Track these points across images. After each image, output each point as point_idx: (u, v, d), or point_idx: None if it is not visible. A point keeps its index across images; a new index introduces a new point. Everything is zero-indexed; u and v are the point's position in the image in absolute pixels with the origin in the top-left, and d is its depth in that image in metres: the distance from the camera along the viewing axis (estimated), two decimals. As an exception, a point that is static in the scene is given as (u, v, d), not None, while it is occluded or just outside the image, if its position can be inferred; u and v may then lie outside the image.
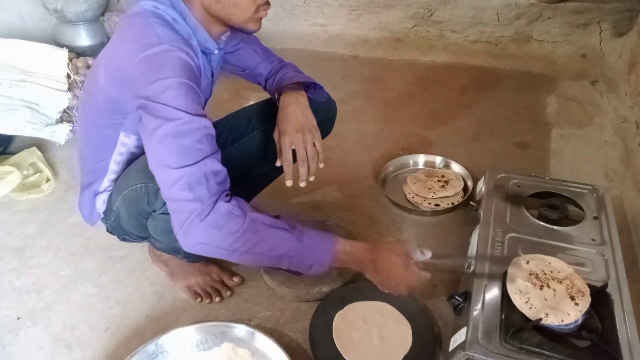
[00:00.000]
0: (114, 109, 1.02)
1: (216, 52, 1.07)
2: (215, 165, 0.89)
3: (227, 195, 0.91)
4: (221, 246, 0.89)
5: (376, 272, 1.01)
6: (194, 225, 0.87)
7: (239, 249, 0.90)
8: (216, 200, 0.88)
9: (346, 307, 1.18)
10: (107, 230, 1.26)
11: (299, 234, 0.95)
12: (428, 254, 1.03)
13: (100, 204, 1.18)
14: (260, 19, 1.01)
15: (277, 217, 0.98)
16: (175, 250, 1.22)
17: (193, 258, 1.27)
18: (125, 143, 1.09)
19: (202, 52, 1.02)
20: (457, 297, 1.09)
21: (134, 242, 1.33)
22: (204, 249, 0.90)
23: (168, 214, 1.01)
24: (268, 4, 1.00)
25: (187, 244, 0.89)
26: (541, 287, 0.99)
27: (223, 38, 1.08)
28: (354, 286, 1.24)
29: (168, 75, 0.86)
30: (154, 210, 1.07)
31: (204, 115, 0.90)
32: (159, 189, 0.98)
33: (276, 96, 1.22)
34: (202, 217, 0.86)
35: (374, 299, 1.20)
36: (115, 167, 1.13)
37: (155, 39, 0.89)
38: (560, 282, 1.00)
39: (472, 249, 1.22)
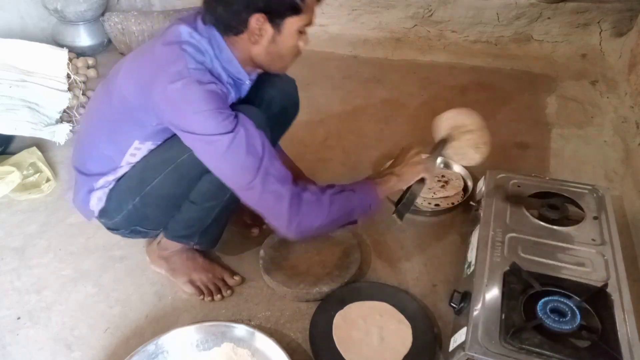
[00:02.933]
0: (132, 120, 1.05)
1: (248, 83, 1.12)
2: (275, 159, 1.01)
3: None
4: (319, 220, 1.03)
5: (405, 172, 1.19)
6: (298, 210, 1.00)
7: (328, 217, 1.04)
8: (298, 186, 1.02)
9: (346, 307, 1.18)
10: (110, 227, 1.24)
11: (351, 190, 1.10)
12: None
13: (95, 201, 1.17)
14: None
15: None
16: (189, 236, 1.22)
17: (206, 245, 1.27)
18: (139, 148, 1.10)
19: (234, 81, 1.08)
20: (454, 302, 1.09)
21: (137, 237, 1.31)
22: (307, 227, 1.03)
23: None
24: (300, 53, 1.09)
25: (295, 229, 1.01)
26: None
27: (256, 73, 1.15)
28: (353, 286, 1.24)
29: (201, 109, 0.94)
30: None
31: (239, 128, 0.96)
32: None
33: None
34: (299, 201, 1.00)
35: (374, 299, 1.20)
36: (122, 171, 1.13)
37: (184, 69, 0.95)
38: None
39: (473, 250, 1.22)
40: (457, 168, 1.66)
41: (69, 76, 1.98)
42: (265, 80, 1.21)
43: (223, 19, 0.99)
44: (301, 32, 1.03)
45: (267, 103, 1.23)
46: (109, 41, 2.51)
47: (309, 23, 1.03)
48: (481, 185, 1.43)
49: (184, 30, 1.00)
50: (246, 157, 0.96)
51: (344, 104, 2.13)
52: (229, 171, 0.99)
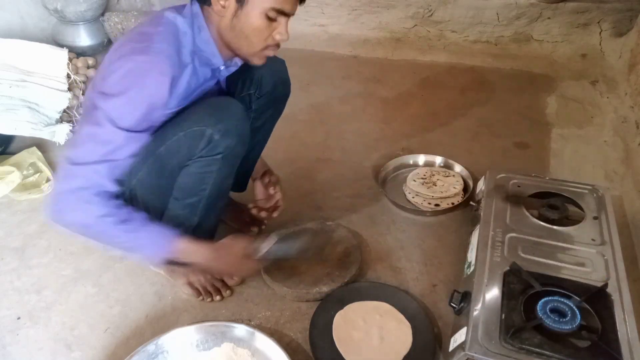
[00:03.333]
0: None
1: (222, 69, 1.11)
2: (100, 175, 0.98)
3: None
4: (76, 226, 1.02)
5: (214, 260, 1.13)
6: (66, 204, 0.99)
7: (92, 233, 1.03)
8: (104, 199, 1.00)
9: (346, 307, 1.18)
10: None
11: (135, 229, 1.04)
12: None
13: None
14: (266, 56, 1.07)
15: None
16: (188, 219, 1.20)
17: (203, 233, 1.25)
18: None
19: (209, 66, 1.08)
20: (454, 302, 1.09)
21: None
22: (65, 222, 1.01)
23: (207, 156, 1.07)
24: (278, 45, 1.05)
25: (51, 215, 0.99)
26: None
27: (237, 62, 1.12)
28: (353, 286, 1.24)
29: (127, 87, 0.95)
30: (191, 158, 1.07)
31: (136, 131, 0.99)
32: (205, 130, 1.03)
33: None
34: (74, 197, 0.98)
35: (374, 299, 1.20)
36: None
37: (146, 48, 0.96)
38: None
39: (473, 250, 1.22)
40: (457, 168, 1.66)
41: (69, 76, 1.98)
42: None
43: None
44: (271, 18, 0.99)
45: (257, 83, 1.23)
46: (109, 41, 2.51)
47: (281, 10, 0.98)
48: (481, 185, 1.43)
49: (168, 15, 1.02)
50: (109, 152, 0.97)
51: (344, 104, 2.13)
52: (79, 139, 1.00)
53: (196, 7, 1.03)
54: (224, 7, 0.99)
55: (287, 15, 1.00)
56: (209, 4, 1.00)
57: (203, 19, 1.03)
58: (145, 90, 0.96)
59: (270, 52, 1.06)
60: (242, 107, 1.11)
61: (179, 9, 1.04)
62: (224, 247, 1.15)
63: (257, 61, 1.08)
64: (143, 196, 1.16)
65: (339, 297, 1.20)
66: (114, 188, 1.01)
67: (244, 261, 1.15)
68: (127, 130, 0.97)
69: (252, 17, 0.98)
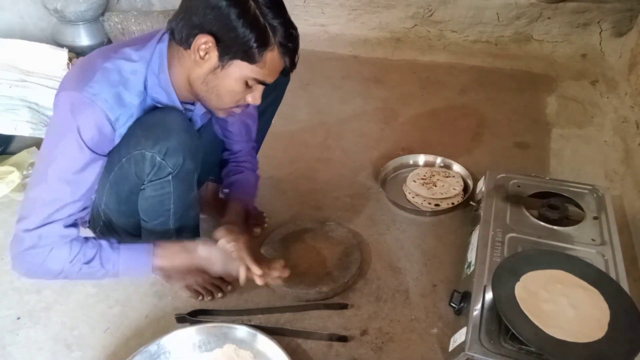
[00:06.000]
0: None
1: (197, 113, 1.11)
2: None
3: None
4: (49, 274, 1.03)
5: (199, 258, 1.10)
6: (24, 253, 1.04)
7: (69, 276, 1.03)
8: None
9: (522, 279, 1.05)
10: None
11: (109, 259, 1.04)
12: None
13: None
14: (232, 112, 1.06)
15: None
16: (166, 232, 1.19)
17: (187, 237, 1.23)
18: None
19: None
20: (454, 302, 1.09)
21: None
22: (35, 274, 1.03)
23: (157, 179, 1.05)
24: (247, 106, 1.05)
25: (18, 269, 1.03)
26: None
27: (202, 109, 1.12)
28: (521, 255, 1.12)
29: (70, 130, 0.93)
30: (143, 182, 1.05)
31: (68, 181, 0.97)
32: (145, 153, 0.99)
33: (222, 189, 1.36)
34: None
35: (547, 267, 1.08)
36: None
37: (86, 86, 0.92)
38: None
39: (473, 250, 1.22)
40: (457, 168, 1.66)
41: (69, 76, 1.98)
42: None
43: (180, 29, 0.94)
44: (249, 85, 0.98)
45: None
46: (109, 41, 2.50)
47: (262, 81, 0.98)
48: (481, 185, 1.43)
49: (127, 51, 0.98)
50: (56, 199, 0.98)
51: (344, 104, 2.13)
52: (28, 194, 1.02)
53: (163, 45, 0.99)
54: (202, 58, 0.94)
55: (265, 85, 1.00)
56: (186, 48, 0.95)
57: (167, 59, 0.99)
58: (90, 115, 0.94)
59: (238, 110, 1.05)
60: (182, 117, 1.04)
61: (145, 41, 0.99)
62: (205, 244, 1.12)
63: (221, 114, 1.07)
64: (116, 221, 1.17)
65: (510, 268, 1.07)
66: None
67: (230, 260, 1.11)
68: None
69: (230, 80, 0.96)
